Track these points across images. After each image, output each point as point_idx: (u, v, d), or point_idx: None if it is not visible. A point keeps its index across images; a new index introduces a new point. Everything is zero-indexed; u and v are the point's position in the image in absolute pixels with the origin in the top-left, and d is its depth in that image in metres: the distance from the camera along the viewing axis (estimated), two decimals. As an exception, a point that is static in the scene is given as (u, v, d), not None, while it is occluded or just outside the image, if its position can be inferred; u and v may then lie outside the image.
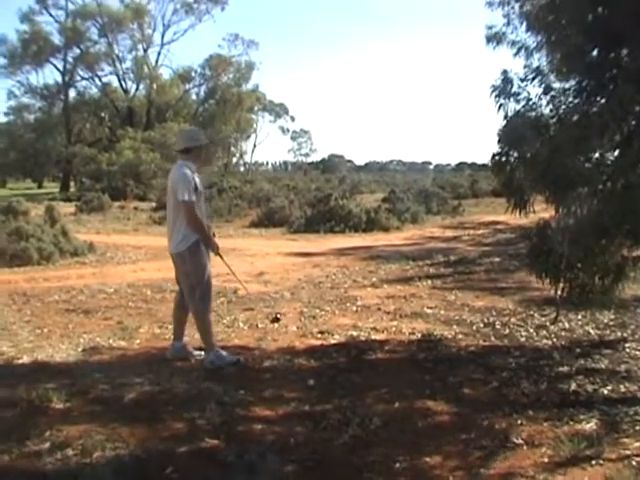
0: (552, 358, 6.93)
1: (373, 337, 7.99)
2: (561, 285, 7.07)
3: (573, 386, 6.06)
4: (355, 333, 8.15)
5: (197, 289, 6.79)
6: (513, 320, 8.69)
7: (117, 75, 72.92)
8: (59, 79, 71.66)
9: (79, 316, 9.28)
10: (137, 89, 74.37)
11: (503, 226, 22.69)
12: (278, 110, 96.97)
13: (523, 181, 6.83)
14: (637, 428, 5.04)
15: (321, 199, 26.28)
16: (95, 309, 9.70)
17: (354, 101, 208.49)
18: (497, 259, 14.88)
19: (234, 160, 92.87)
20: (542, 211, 7.11)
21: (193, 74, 76.78)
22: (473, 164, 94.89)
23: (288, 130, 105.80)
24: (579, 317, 8.53)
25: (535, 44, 7.06)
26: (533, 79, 6.70)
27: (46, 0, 67.63)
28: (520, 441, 4.85)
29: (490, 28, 7.57)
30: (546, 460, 4.55)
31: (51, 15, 68.93)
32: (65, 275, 13.22)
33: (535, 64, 6.97)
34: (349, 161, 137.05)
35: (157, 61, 73.93)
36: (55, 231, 16.43)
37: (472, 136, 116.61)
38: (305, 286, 11.75)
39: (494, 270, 13.44)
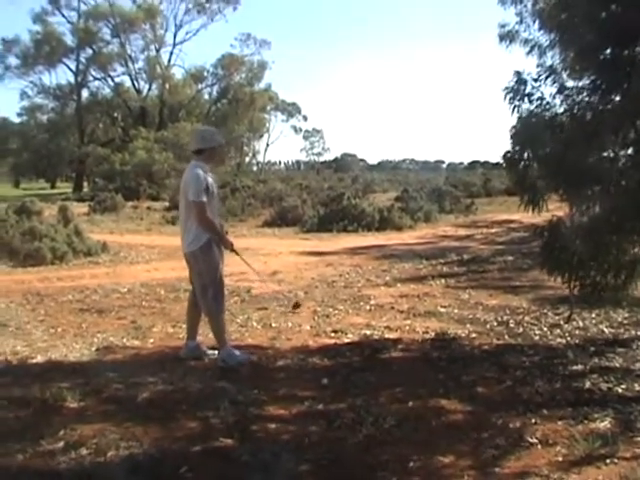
0: (566, 357, 6.90)
1: (387, 336, 7.98)
2: (574, 283, 7.05)
3: (587, 385, 6.04)
4: (369, 332, 8.14)
5: (210, 288, 6.80)
6: (527, 319, 8.67)
7: (130, 75, 73.06)
8: (72, 79, 71.85)
9: (93, 316, 9.30)
10: (150, 89, 74.45)
11: (517, 225, 22.60)
12: (290, 109, 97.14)
13: (536, 179, 6.82)
14: (652, 427, 5.03)
15: (334, 198, 26.28)
16: (109, 309, 9.73)
17: (366, 100, 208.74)
18: (510, 258, 14.83)
19: (247, 160, 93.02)
20: (556, 209, 7.07)
21: (205, 74, 76.71)
22: (486, 163, 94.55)
23: (300, 129, 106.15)
24: (593, 315, 8.50)
25: (548, 42, 7.05)
26: (546, 78, 6.68)
27: (59, 1, 67.77)
28: (534, 440, 4.84)
29: (503, 26, 7.58)
30: (560, 459, 4.54)
31: (63, 16, 69.12)
32: (79, 275, 13.26)
33: (548, 62, 6.96)
34: (362, 160, 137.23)
35: (169, 61, 74.01)
36: (68, 231, 16.49)
37: (485, 135, 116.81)
38: (318, 285, 11.74)
39: (507, 269, 13.40)
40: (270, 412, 5.53)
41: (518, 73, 6.71)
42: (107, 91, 74.58)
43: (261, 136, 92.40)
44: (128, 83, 74.27)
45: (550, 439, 4.86)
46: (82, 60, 70.57)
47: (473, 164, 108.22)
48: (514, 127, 6.76)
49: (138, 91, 73.67)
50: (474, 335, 7.93)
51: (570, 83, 6.71)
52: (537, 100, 6.67)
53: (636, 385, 5.98)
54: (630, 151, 6.56)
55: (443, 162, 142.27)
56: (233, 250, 7.10)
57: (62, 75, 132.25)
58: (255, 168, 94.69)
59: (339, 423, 5.22)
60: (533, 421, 5.21)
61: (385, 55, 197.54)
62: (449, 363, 6.82)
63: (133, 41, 71.28)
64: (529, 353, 7.12)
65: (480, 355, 7.14)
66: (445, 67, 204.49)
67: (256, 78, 77.18)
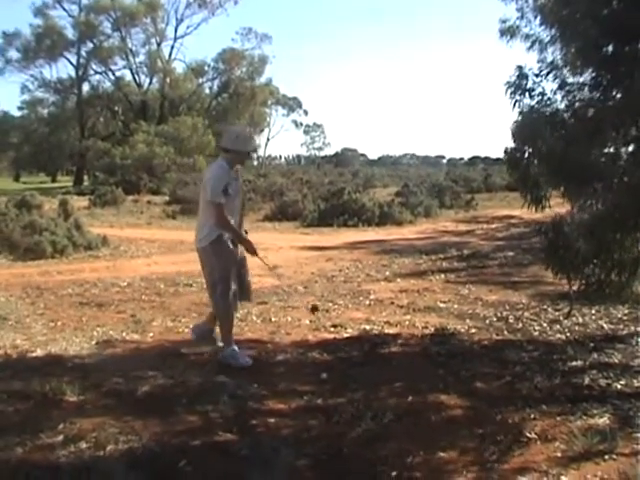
0: (565, 352, 6.91)
1: (386, 331, 7.99)
2: (577, 281, 7.04)
3: (586, 380, 6.04)
4: (368, 327, 8.15)
5: (218, 285, 6.74)
6: (526, 314, 8.68)
7: (130, 69, 72.91)
8: (73, 73, 71.63)
9: (92, 309, 9.30)
10: (150, 83, 74.30)
11: (517, 220, 22.64)
12: (291, 104, 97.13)
13: (538, 176, 6.81)
14: (651, 423, 5.04)
15: (334, 193, 26.27)
16: (108, 302, 9.72)
17: (367, 95, 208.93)
18: (511, 253, 14.84)
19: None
20: (557, 206, 7.07)
21: (206, 68, 76.51)
22: (487, 158, 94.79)
23: (301, 124, 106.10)
24: (593, 311, 8.50)
25: (549, 38, 7.04)
26: (548, 74, 6.66)
27: (60, -6, 67.79)
28: (533, 436, 4.85)
29: (504, 22, 7.58)
30: (559, 455, 4.55)
31: (65, 9, 68.94)
32: (79, 269, 13.27)
33: (549, 58, 6.95)
34: (362, 155, 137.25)
35: (170, 55, 73.83)
36: (69, 225, 16.49)
37: (485, 130, 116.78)
38: (318, 280, 11.75)
39: (507, 264, 13.40)
40: (269, 406, 5.54)
41: (520, 68, 6.69)
42: (108, 85, 74.49)
43: (262, 130, 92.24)
44: (129, 77, 74.22)
45: (549, 435, 4.87)
46: (83, 54, 70.49)
47: (474, 159, 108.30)
48: (515, 123, 6.75)
49: (139, 85, 73.60)
50: (473, 330, 7.93)
51: (571, 79, 6.70)
52: (538, 95, 6.65)
53: (635, 381, 5.99)
54: (632, 148, 6.55)
55: (444, 157, 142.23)
56: (255, 254, 6.98)
57: (63, 69, 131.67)
58: (256, 162, 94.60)
59: (338, 418, 5.23)
60: (532, 417, 5.22)
61: (386, 51, 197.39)
62: (448, 358, 6.82)
63: (134, 35, 71.22)
64: (528, 349, 7.13)
65: (479, 350, 7.15)
66: (445, 62, 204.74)
67: (257, 72, 76.98)
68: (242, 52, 74.90)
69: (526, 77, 6.66)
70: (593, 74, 6.42)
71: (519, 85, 6.65)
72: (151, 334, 7.91)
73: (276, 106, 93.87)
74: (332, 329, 8.06)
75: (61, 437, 4.86)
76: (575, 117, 6.46)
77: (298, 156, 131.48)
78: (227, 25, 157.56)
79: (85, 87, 73.62)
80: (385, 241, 18.08)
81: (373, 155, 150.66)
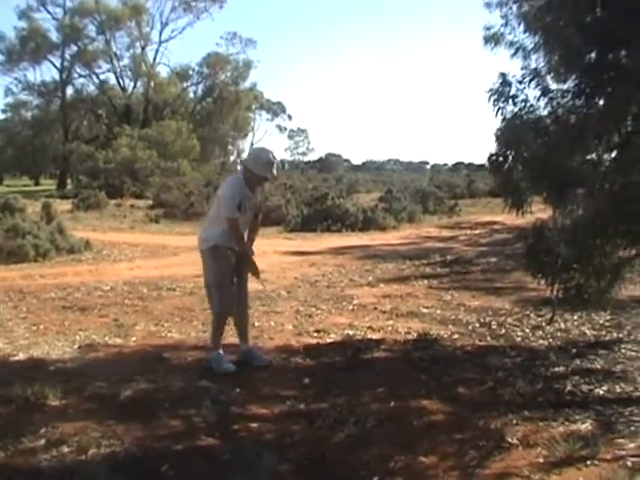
0: (548, 358, 6.93)
1: (369, 336, 7.99)
2: (558, 286, 7.07)
3: (569, 386, 6.06)
4: (351, 332, 8.15)
5: (215, 291, 6.71)
6: (509, 320, 8.70)
7: (115, 73, 72.83)
8: (57, 76, 71.56)
9: (75, 313, 9.27)
10: (135, 87, 74.28)
11: (500, 226, 22.70)
12: (275, 109, 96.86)
13: (520, 181, 6.83)
14: (632, 429, 5.06)
15: (318, 198, 26.31)
16: (91, 306, 9.69)
17: (351, 100, 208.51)
18: (494, 259, 14.90)
19: (231, 158, 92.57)
20: (539, 211, 7.10)
21: (191, 72, 76.44)
22: (470, 164, 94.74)
23: (285, 129, 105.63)
24: (575, 318, 8.54)
25: (533, 45, 7.07)
26: (531, 81, 6.66)
27: (44, -3, 67.61)
28: (515, 441, 4.86)
29: (488, 29, 7.60)
30: (541, 460, 4.56)
31: (49, 12, 68.84)
32: (61, 272, 13.20)
33: (533, 65, 6.96)
34: (346, 160, 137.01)
35: (155, 59, 73.86)
36: (51, 228, 16.44)
37: (469, 136, 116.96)
38: (301, 285, 11.75)
39: (490, 270, 13.46)
40: (252, 411, 5.54)
41: (503, 75, 6.70)
42: (92, 88, 74.38)
43: (246, 135, 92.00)
44: (113, 80, 74.19)
45: (531, 440, 4.88)
46: (67, 57, 70.47)
47: (457, 165, 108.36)
48: (499, 129, 6.77)
49: (123, 89, 73.55)
50: (456, 336, 7.95)
51: (554, 86, 6.71)
52: (521, 102, 6.65)
53: (617, 387, 6.02)
54: (614, 155, 6.58)
55: (427, 163, 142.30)
56: (256, 275, 6.97)
57: (47, 72, 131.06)
58: (239, 167, 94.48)
59: (321, 423, 5.23)
60: (514, 422, 5.23)
61: (370, 56, 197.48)
62: (431, 364, 6.83)
63: (118, 38, 71.21)
64: (511, 354, 7.15)
65: (462, 356, 7.16)
66: (430, 68, 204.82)
67: (241, 77, 77.02)
68: (227, 57, 74.97)
69: (509, 84, 6.67)
70: (576, 81, 6.45)
71: (502, 92, 6.66)
72: (134, 338, 7.89)
73: (260, 111, 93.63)
74: (315, 334, 8.05)
75: (43, 441, 4.84)
76: (558, 124, 6.48)
77: (282, 161, 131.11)
78: (212, 29, 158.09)
79: (69, 90, 73.68)
80: (368, 246, 18.10)
81: (357, 160, 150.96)
